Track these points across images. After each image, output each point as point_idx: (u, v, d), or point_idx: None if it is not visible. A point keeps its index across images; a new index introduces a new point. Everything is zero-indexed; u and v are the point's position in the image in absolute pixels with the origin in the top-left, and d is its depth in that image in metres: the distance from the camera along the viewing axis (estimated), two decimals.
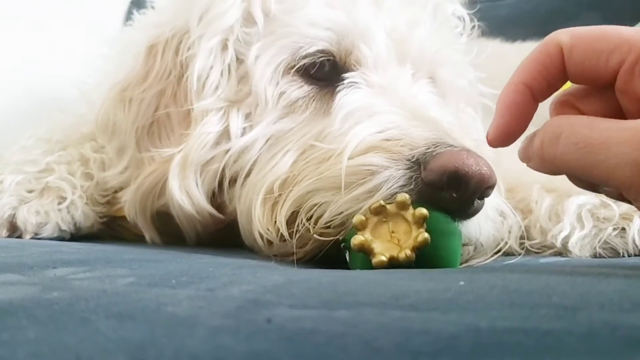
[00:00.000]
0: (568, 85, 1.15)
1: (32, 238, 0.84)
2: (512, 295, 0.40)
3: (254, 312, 0.38)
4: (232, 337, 0.35)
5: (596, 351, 0.32)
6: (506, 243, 0.74)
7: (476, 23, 0.97)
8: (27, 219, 0.83)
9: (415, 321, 0.36)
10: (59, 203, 0.86)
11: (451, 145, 0.67)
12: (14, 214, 0.85)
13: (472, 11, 0.96)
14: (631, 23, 1.23)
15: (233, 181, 0.80)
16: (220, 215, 0.81)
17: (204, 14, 0.82)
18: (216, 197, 0.81)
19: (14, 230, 0.85)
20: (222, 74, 0.81)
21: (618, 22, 1.35)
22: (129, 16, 1.48)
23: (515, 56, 1.50)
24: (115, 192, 0.88)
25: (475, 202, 0.67)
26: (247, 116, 0.80)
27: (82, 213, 0.87)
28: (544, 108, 1.31)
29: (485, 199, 0.68)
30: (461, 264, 0.71)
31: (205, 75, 0.80)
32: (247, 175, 0.78)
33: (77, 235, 0.88)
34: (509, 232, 0.77)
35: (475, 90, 0.99)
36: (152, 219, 0.83)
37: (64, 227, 0.85)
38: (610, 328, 0.33)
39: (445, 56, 0.89)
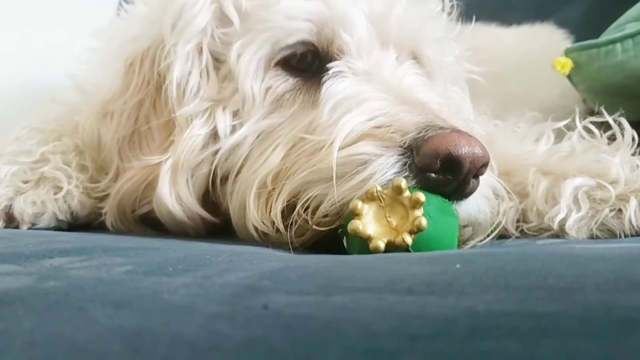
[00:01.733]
0: (568, 65, 1.14)
1: (29, 228, 0.84)
2: (508, 277, 0.40)
3: (251, 299, 0.39)
4: (228, 323, 0.35)
5: (592, 332, 0.32)
6: (500, 222, 0.74)
7: (455, 2, 0.96)
8: (24, 209, 0.83)
9: (412, 305, 0.36)
10: (55, 193, 0.85)
11: (442, 128, 0.67)
12: (11, 205, 0.84)
13: None
14: (626, 6, 1.22)
15: (225, 179, 0.80)
16: (213, 219, 0.81)
17: (175, 21, 0.82)
18: (210, 198, 0.82)
19: (10, 221, 0.85)
20: (201, 76, 0.81)
21: (614, 4, 1.35)
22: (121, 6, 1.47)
23: (511, 40, 1.51)
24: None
25: (471, 182, 0.67)
26: (235, 114, 0.80)
27: (78, 202, 0.86)
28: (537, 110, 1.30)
29: (480, 177, 0.68)
30: (462, 244, 0.71)
31: (184, 82, 0.80)
32: (239, 171, 0.78)
33: (75, 225, 0.88)
34: (504, 214, 0.77)
35: (461, 67, 0.99)
36: (135, 223, 0.84)
37: (61, 217, 0.85)
38: (606, 309, 0.33)
39: (426, 34, 0.89)
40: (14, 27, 1.51)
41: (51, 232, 0.81)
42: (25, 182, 0.86)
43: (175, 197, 0.78)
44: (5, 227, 0.84)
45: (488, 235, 0.73)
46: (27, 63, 1.52)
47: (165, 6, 0.84)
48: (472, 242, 0.72)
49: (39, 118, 0.99)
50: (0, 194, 0.84)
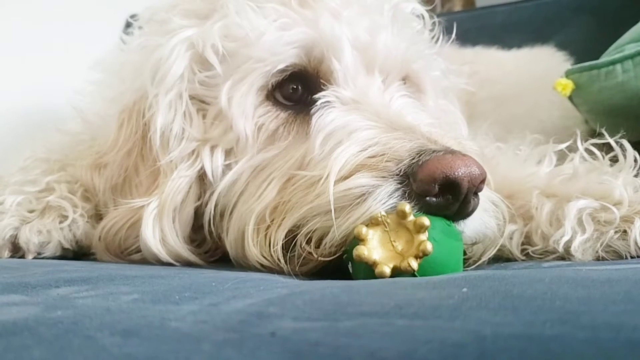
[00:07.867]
0: (569, 87, 1.15)
1: (34, 258, 0.84)
2: (515, 300, 0.40)
3: (258, 326, 0.39)
4: (236, 351, 0.35)
5: (600, 354, 0.32)
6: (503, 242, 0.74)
7: (436, 19, 0.98)
8: (30, 238, 0.84)
9: (420, 330, 0.36)
10: (61, 222, 0.86)
11: (435, 151, 0.67)
12: (16, 235, 0.85)
13: (429, 8, 0.97)
14: (625, 27, 1.23)
15: (221, 216, 0.81)
16: (201, 261, 0.81)
17: (154, 73, 0.83)
18: (212, 232, 0.82)
19: (16, 251, 0.85)
20: (184, 120, 0.82)
21: (613, 26, 1.36)
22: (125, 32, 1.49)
23: (512, 63, 1.52)
24: None
25: (472, 200, 0.67)
26: (229, 152, 0.81)
27: (83, 231, 0.87)
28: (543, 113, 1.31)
29: (479, 193, 0.69)
30: (476, 261, 0.71)
31: (168, 129, 0.81)
32: (234, 207, 0.79)
33: (80, 253, 0.88)
34: (510, 235, 0.77)
35: (448, 80, 0.99)
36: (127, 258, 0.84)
37: (66, 246, 0.86)
38: (613, 331, 0.33)
39: (414, 53, 0.89)
40: (20, 57, 1.53)
41: (57, 262, 0.81)
42: (31, 211, 0.87)
43: (159, 239, 0.79)
44: (11, 256, 0.85)
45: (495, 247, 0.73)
46: (29, 88, 1.53)
47: (146, 59, 0.85)
48: (484, 258, 0.72)
49: (43, 148, 1.00)
50: (5, 224, 0.85)
